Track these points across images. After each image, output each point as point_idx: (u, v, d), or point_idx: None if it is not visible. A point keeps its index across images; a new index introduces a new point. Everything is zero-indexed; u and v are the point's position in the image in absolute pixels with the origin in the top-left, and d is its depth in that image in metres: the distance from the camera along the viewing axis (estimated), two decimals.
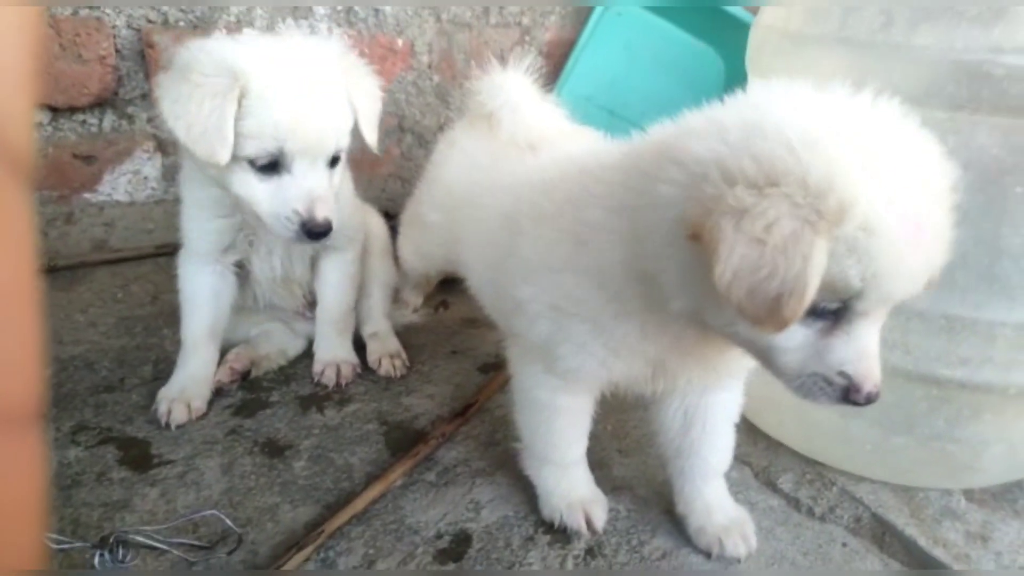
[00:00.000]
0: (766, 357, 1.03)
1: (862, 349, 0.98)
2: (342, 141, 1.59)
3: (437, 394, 1.83)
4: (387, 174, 2.87)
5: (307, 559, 1.29)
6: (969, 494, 1.55)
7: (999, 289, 1.33)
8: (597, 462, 1.50)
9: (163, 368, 1.80)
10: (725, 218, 0.88)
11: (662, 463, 1.44)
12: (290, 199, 1.52)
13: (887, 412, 1.48)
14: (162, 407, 1.64)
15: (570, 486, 1.41)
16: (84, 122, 2.32)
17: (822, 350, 0.98)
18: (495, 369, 1.92)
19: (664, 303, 1.05)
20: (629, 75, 2.94)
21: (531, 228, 1.26)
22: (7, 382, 0.35)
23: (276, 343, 1.93)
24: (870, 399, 0.99)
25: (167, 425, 1.62)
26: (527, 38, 2.96)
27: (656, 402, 1.37)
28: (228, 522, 1.35)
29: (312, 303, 1.92)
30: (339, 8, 2.56)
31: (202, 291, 1.73)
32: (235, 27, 2.40)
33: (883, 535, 1.45)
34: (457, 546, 1.36)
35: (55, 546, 1.26)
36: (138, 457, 1.53)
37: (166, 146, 2.43)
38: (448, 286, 2.21)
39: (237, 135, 1.46)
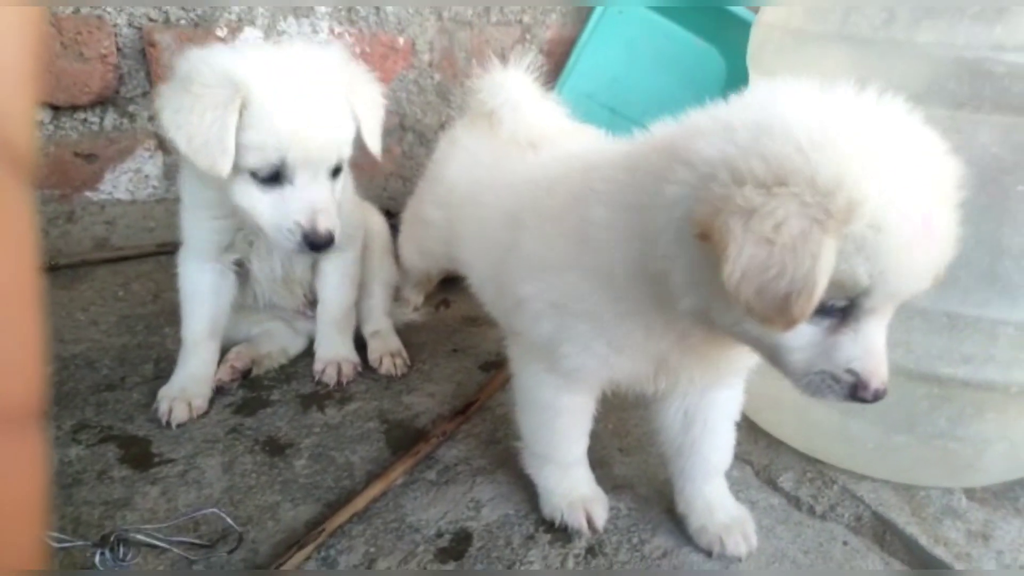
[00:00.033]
0: (773, 355, 1.03)
1: (869, 346, 0.98)
2: (344, 151, 1.58)
3: (438, 392, 1.83)
4: (388, 173, 2.87)
5: (308, 558, 1.29)
6: (970, 493, 1.55)
7: (1001, 288, 1.33)
8: (598, 461, 1.50)
9: (164, 367, 1.80)
10: (734, 218, 0.88)
11: (663, 462, 1.44)
12: (292, 211, 1.51)
13: (888, 411, 1.48)
14: (163, 406, 1.64)
15: (571, 485, 1.41)
16: (85, 120, 2.33)
17: (830, 348, 0.98)
18: (496, 367, 1.92)
19: (671, 302, 1.05)
20: (630, 73, 2.94)
21: (534, 225, 1.26)
22: (8, 381, 0.35)
23: (277, 342, 1.93)
24: (878, 396, 0.99)
25: (168, 424, 1.62)
26: (528, 36, 2.95)
27: (657, 401, 1.37)
28: (229, 520, 1.35)
29: (313, 302, 1.91)
30: (340, 7, 2.56)
31: (202, 290, 1.73)
32: (236, 25, 2.40)
33: (884, 534, 1.45)
34: (458, 545, 1.36)
35: (56, 544, 1.26)
36: (139, 455, 1.54)
37: (167, 145, 2.42)
38: (449, 284, 2.21)
39: (238, 146, 1.45)
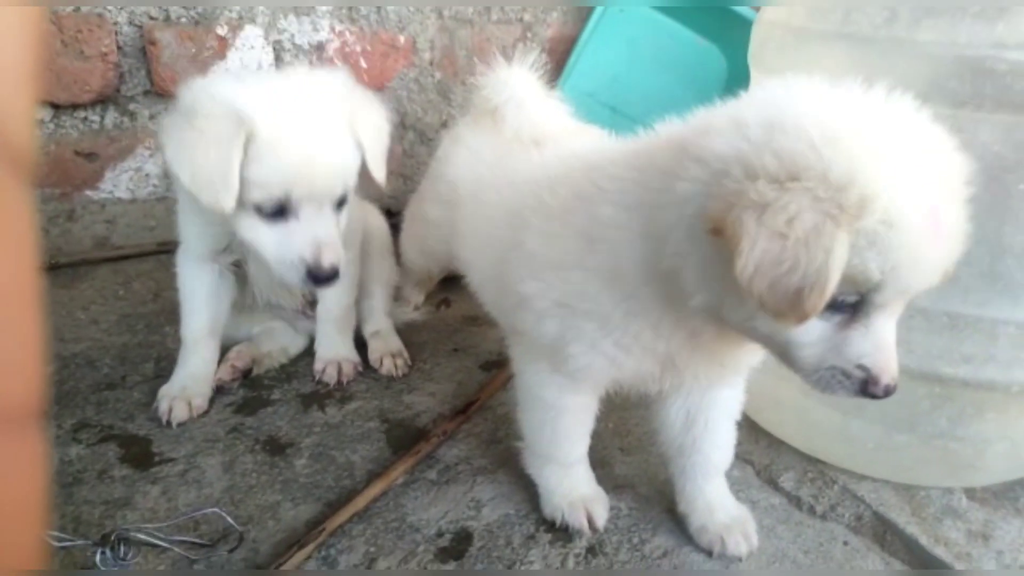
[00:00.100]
0: (784, 352, 1.03)
1: (880, 342, 0.99)
2: (349, 183, 1.56)
3: (439, 392, 1.83)
4: (388, 171, 2.85)
5: (308, 557, 1.29)
6: (970, 493, 1.55)
7: (1002, 287, 1.33)
8: (599, 460, 1.50)
9: (164, 366, 1.80)
10: (747, 212, 0.88)
11: (663, 461, 1.44)
12: (296, 245, 1.49)
13: (889, 410, 1.48)
14: (163, 405, 1.64)
15: (572, 485, 1.41)
16: (86, 119, 2.32)
17: (840, 343, 0.99)
18: (497, 367, 1.92)
19: (681, 300, 1.05)
20: (631, 72, 2.93)
21: (537, 224, 1.25)
22: (8, 380, 0.35)
23: (278, 341, 1.93)
24: (888, 391, 0.99)
25: (168, 423, 1.62)
26: (529, 34, 2.95)
27: (659, 400, 1.37)
28: (229, 520, 1.35)
29: (312, 302, 1.91)
30: (341, 5, 2.55)
31: (201, 290, 1.72)
32: (236, 23, 2.40)
33: (884, 534, 1.45)
34: (458, 544, 1.35)
35: (56, 544, 1.26)
36: (139, 455, 1.54)
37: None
38: (450, 284, 2.21)
39: (243, 181, 1.42)
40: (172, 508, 1.40)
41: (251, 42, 2.44)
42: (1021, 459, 1.55)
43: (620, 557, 1.35)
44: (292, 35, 2.50)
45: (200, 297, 1.72)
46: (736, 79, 2.80)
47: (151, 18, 2.30)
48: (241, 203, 1.44)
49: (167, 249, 1.74)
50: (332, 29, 2.56)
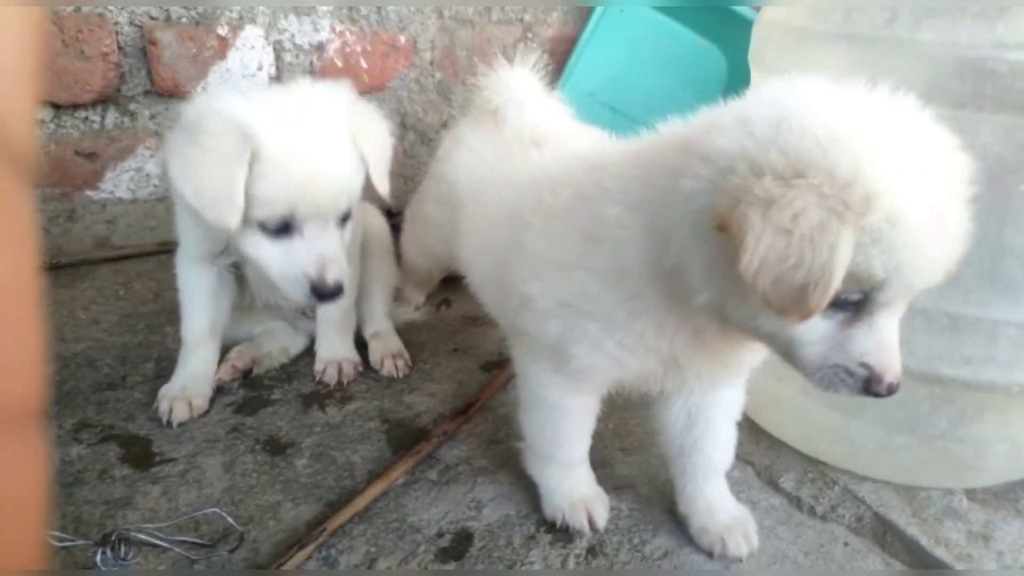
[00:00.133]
0: (788, 350, 1.03)
1: (883, 340, 0.99)
2: (354, 198, 1.56)
3: (439, 392, 1.83)
4: (389, 172, 2.86)
5: (309, 557, 1.29)
6: (971, 494, 1.55)
7: (1003, 288, 1.33)
8: (599, 461, 1.50)
9: (165, 365, 1.80)
10: (753, 208, 0.89)
11: (664, 462, 1.44)
12: (301, 262, 1.49)
13: (890, 411, 1.48)
14: (163, 405, 1.64)
15: (573, 485, 1.41)
16: (86, 119, 2.32)
17: (843, 341, 0.99)
18: (497, 367, 1.92)
19: (685, 299, 1.06)
20: (631, 72, 2.93)
21: (539, 224, 1.25)
22: (9, 381, 0.35)
23: (278, 341, 1.92)
24: (891, 390, 0.99)
25: (169, 423, 1.62)
26: (529, 35, 2.95)
27: (659, 400, 1.37)
28: (230, 520, 1.35)
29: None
30: (341, 5, 2.55)
31: (201, 291, 1.72)
32: (237, 23, 2.40)
33: (885, 534, 1.45)
34: (459, 545, 1.35)
35: (57, 544, 1.26)
36: (140, 455, 1.54)
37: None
38: (450, 284, 2.21)
39: (247, 199, 1.41)
40: (173, 508, 1.40)
41: (251, 42, 2.44)
42: (1022, 460, 1.55)
43: (621, 558, 1.35)
44: (292, 35, 2.50)
45: (200, 298, 1.72)
46: (736, 79, 2.80)
47: (152, 18, 2.30)
48: (245, 220, 1.44)
49: (168, 249, 1.74)
50: (333, 29, 2.56)
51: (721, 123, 1.00)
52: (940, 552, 1.40)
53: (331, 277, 1.50)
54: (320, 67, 2.57)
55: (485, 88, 1.69)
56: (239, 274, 1.78)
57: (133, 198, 2.46)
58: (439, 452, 1.59)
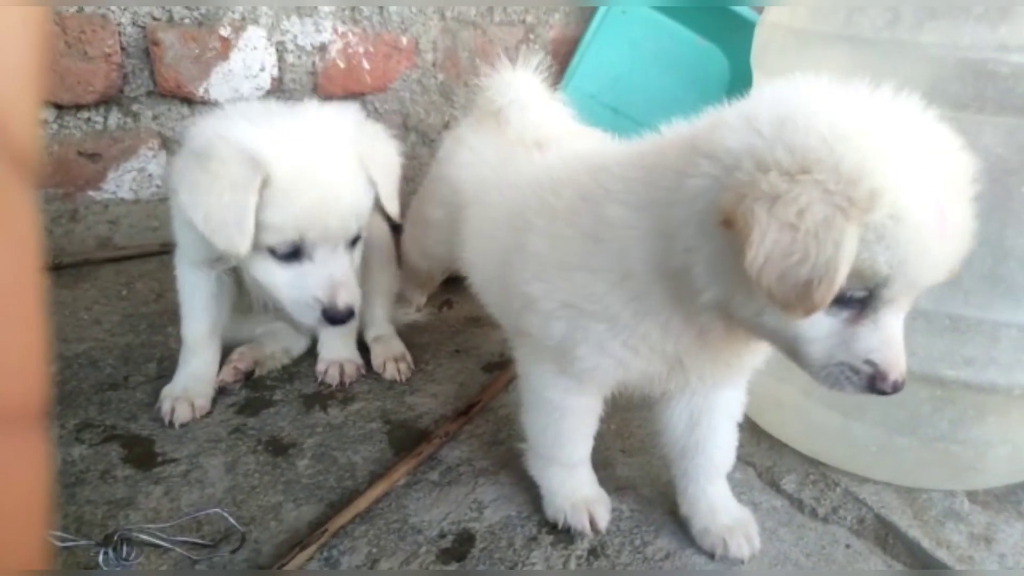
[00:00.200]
0: (792, 348, 1.03)
1: (888, 337, 0.99)
2: (363, 221, 1.56)
3: (441, 393, 1.83)
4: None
5: (310, 558, 1.29)
6: (973, 496, 1.55)
7: (1004, 290, 1.33)
8: (601, 462, 1.50)
9: (167, 366, 1.80)
10: (758, 203, 0.89)
11: (666, 463, 1.44)
12: (311, 286, 1.49)
13: (891, 413, 1.48)
14: (165, 405, 1.64)
15: (574, 486, 1.41)
16: (89, 120, 2.33)
17: (848, 339, 0.99)
18: (499, 368, 1.92)
19: (690, 298, 1.06)
20: (633, 73, 2.93)
21: (542, 225, 1.26)
22: (11, 380, 0.35)
23: (280, 342, 1.92)
24: (896, 387, 1.00)
25: (171, 424, 1.62)
26: (531, 36, 2.95)
27: (661, 401, 1.37)
28: (232, 520, 1.35)
29: None
30: (344, 6, 2.56)
31: (200, 293, 1.72)
32: (239, 24, 2.40)
33: (886, 536, 1.45)
34: (460, 546, 1.36)
35: (59, 544, 1.26)
36: (142, 455, 1.54)
37: (171, 144, 2.43)
38: (452, 285, 2.21)
39: (257, 225, 1.41)
40: (174, 508, 1.40)
41: (254, 43, 2.44)
42: (1023, 462, 1.55)
43: (622, 559, 1.35)
44: (295, 36, 2.50)
45: (200, 300, 1.72)
46: (738, 80, 2.80)
47: (154, 19, 2.30)
48: (254, 245, 1.44)
49: (170, 250, 1.74)
50: (335, 30, 2.56)
51: (727, 122, 1.01)
52: (942, 554, 1.40)
53: (342, 302, 1.50)
54: (322, 68, 2.57)
55: (488, 89, 1.69)
56: (238, 276, 1.78)
57: (135, 198, 2.46)
58: (441, 453, 1.59)
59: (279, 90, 2.52)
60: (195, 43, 2.36)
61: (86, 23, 2.21)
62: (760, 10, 1.95)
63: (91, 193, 2.40)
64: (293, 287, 1.51)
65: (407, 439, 1.64)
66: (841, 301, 0.96)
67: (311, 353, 1.93)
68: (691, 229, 1.02)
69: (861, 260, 0.90)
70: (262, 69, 2.47)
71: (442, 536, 1.37)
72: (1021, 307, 1.34)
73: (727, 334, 1.13)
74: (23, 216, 0.35)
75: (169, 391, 1.67)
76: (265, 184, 1.40)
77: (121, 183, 2.43)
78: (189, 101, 2.42)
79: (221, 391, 1.75)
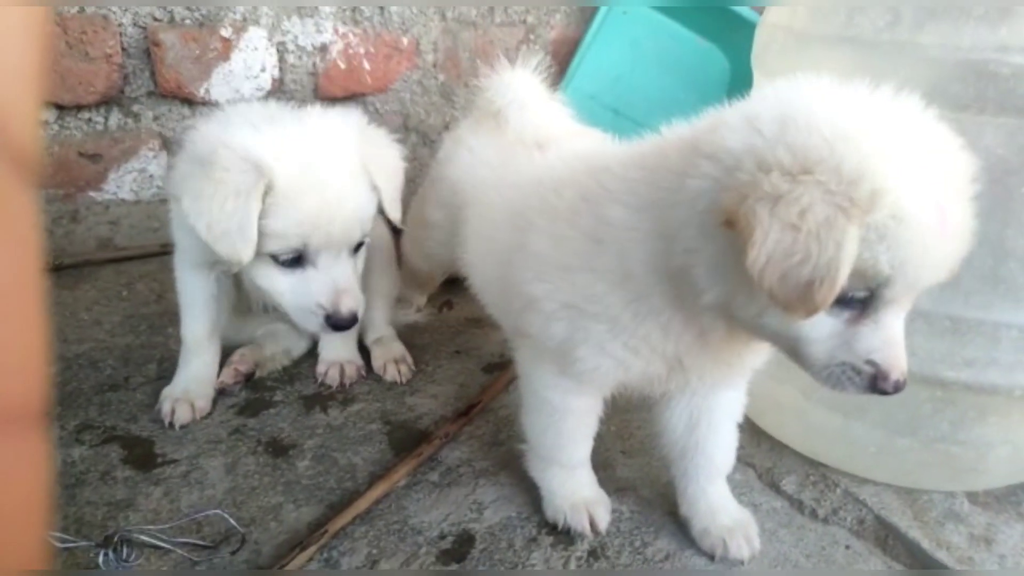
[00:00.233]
0: (794, 348, 1.03)
1: (889, 337, 0.99)
2: (366, 227, 1.56)
3: (441, 394, 1.83)
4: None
5: (310, 559, 1.29)
6: (973, 497, 1.55)
7: (1004, 290, 1.33)
8: (601, 463, 1.50)
9: (168, 367, 1.80)
10: (760, 203, 0.89)
11: (666, 464, 1.44)
12: (314, 292, 1.49)
13: (891, 414, 1.48)
14: (165, 407, 1.64)
15: (574, 487, 1.41)
16: (90, 120, 2.33)
17: (850, 339, 1.00)
18: (499, 369, 1.92)
19: (691, 299, 1.06)
20: (634, 74, 2.94)
21: (543, 226, 1.25)
22: (11, 381, 0.35)
23: (281, 344, 1.92)
24: (898, 387, 1.00)
25: (171, 425, 1.62)
26: (532, 36, 2.95)
27: (661, 402, 1.37)
28: (232, 521, 1.35)
29: None
30: (345, 6, 2.56)
31: (200, 294, 1.71)
32: (240, 25, 2.40)
33: (886, 537, 1.45)
34: (460, 547, 1.35)
35: (59, 545, 1.26)
36: (142, 456, 1.54)
37: (171, 145, 2.43)
38: (452, 286, 2.21)
39: (261, 232, 1.40)
40: (174, 509, 1.40)
41: (255, 44, 2.44)
42: (1023, 463, 1.55)
43: (622, 560, 1.35)
44: (296, 37, 2.50)
45: (199, 302, 1.72)
46: (738, 81, 2.80)
47: (155, 20, 2.30)
48: (257, 252, 1.43)
49: (170, 251, 1.74)
50: (336, 31, 2.57)
51: (728, 122, 1.01)
52: (942, 555, 1.40)
53: (346, 308, 1.50)
54: (323, 69, 2.57)
55: (487, 90, 1.69)
56: (237, 278, 1.78)
57: (136, 199, 2.46)
58: (441, 454, 1.59)
59: (280, 91, 2.52)
60: (196, 44, 2.36)
61: (87, 24, 2.21)
62: (760, 11, 1.95)
63: (92, 194, 2.40)
64: (296, 293, 1.51)
65: (407, 440, 1.64)
66: (842, 301, 0.96)
67: (311, 354, 1.93)
68: (692, 230, 1.02)
69: (862, 260, 0.90)
70: (263, 70, 2.48)
71: (442, 537, 1.37)
72: (1021, 308, 1.34)
73: (728, 335, 1.13)
74: (24, 216, 0.35)
75: (169, 392, 1.67)
76: (268, 191, 1.40)
77: (122, 184, 2.43)
78: (190, 102, 2.42)
79: (221, 392, 1.75)
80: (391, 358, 1.91)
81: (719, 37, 2.90)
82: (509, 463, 1.54)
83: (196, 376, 1.71)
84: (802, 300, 0.90)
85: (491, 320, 1.64)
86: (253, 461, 1.54)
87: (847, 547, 1.42)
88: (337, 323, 1.50)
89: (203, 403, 1.67)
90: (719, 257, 1.00)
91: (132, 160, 2.42)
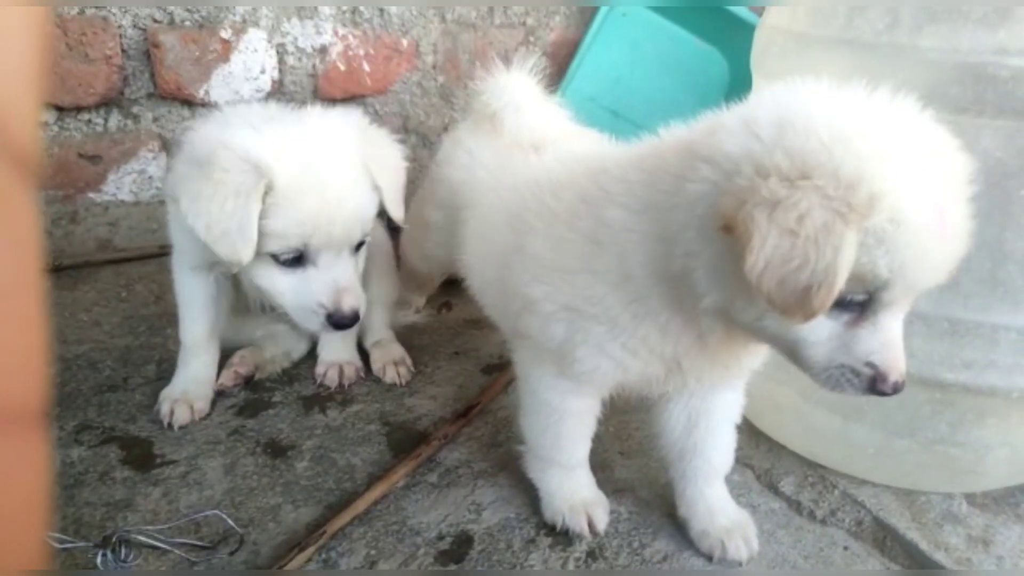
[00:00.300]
0: (793, 351, 1.04)
1: (888, 339, 1.00)
2: (367, 227, 1.56)
3: (439, 395, 1.83)
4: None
5: (309, 560, 1.29)
6: (971, 498, 1.55)
7: (1003, 293, 1.33)
8: (599, 464, 1.50)
9: (166, 367, 1.80)
10: (759, 209, 0.89)
11: (664, 465, 1.44)
12: (315, 292, 1.49)
13: (889, 416, 1.48)
14: (164, 407, 1.64)
15: (573, 488, 1.41)
16: (90, 121, 2.33)
17: (849, 341, 1.00)
18: (498, 370, 1.92)
19: (690, 302, 1.07)
20: (633, 76, 2.94)
21: (542, 228, 1.26)
22: (10, 382, 0.35)
23: (281, 345, 1.92)
24: (897, 388, 1.00)
25: (170, 425, 1.62)
26: (531, 38, 2.96)
27: (659, 403, 1.37)
28: (230, 522, 1.35)
29: None
30: (344, 8, 2.56)
31: (198, 296, 1.71)
32: (240, 27, 2.40)
33: (884, 539, 1.45)
34: (458, 547, 1.36)
35: (58, 545, 1.26)
36: (141, 457, 1.54)
37: (171, 146, 2.43)
38: (451, 287, 2.21)
39: (261, 233, 1.40)
40: (173, 510, 1.40)
41: (254, 45, 2.44)
42: (1022, 465, 1.55)
43: (620, 561, 1.35)
44: (295, 38, 2.50)
45: (198, 303, 1.71)
46: (738, 83, 2.81)
47: (155, 21, 2.30)
48: (257, 252, 1.43)
49: (169, 252, 1.74)
50: (335, 32, 2.57)
51: (725, 126, 1.01)
52: (940, 556, 1.40)
53: (347, 306, 1.49)
54: (323, 70, 2.58)
55: (483, 92, 1.69)
56: (235, 279, 1.78)
57: (135, 200, 2.46)
58: (439, 455, 1.59)
59: (279, 92, 2.53)
60: (196, 45, 2.36)
61: (87, 25, 2.21)
62: (760, 13, 1.96)
63: (91, 195, 2.40)
64: (297, 293, 1.50)
65: (406, 441, 1.64)
66: (841, 304, 0.96)
67: (311, 355, 1.93)
68: (691, 233, 1.02)
69: (861, 264, 0.91)
70: (263, 71, 2.48)
71: (440, 538, 1.37)
72: (1020, 310, 1.34)
73: (726, 337, 1.13)
74: (24, 217, 0.36)
75: (168, 393, 1.67)
76: (268, 191, 1.39)
77: (121, 185, 2.43)
78: (189, 103, 2.42)
79: (220, 393, 1.75)
80: (390, 360, 1.91)
81: (718, 39, 2.90)
82: (508, 464, 1.55)
83: (195, 377, 1.71)
84: (800, 305, 0.91)
85: (490, 321, 1.64)
86: (252, 462, 1.54)
87: (845, 548, 1.42)
88: (339, 322, 1.50)
89: (202, 404, 1.67)
90: (718, 261, 1.00)
91: (132, 161, 2.42)
